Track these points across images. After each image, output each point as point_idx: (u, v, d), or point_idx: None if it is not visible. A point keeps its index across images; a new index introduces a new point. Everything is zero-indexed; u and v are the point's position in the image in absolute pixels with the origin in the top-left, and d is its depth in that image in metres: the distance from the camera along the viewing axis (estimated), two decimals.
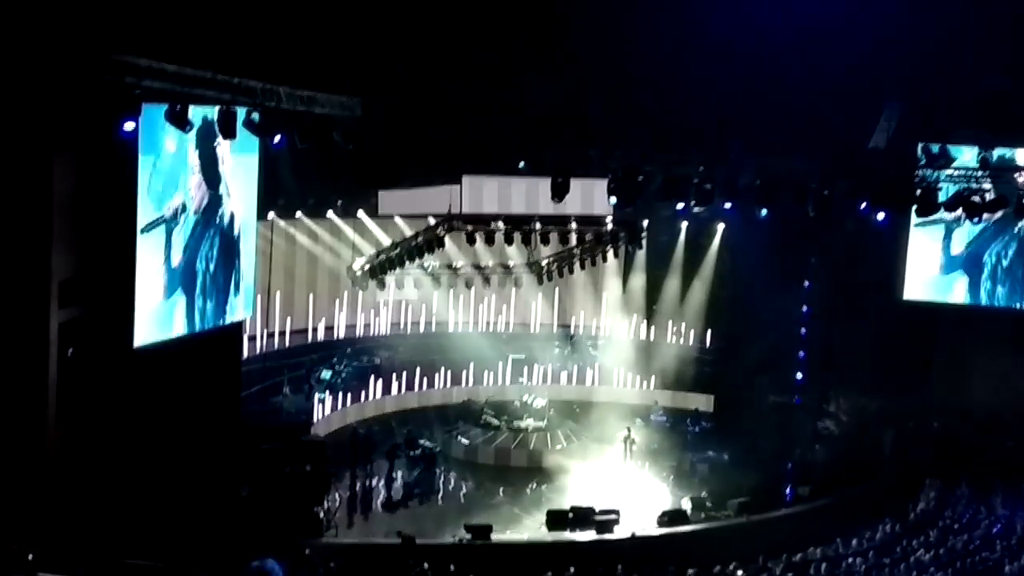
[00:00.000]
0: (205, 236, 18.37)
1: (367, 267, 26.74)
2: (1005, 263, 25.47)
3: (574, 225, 28.67)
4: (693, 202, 19.81)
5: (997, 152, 22.15)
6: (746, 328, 29.03)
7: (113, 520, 16.45)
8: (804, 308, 28.44)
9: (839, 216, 21.90)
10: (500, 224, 27.19)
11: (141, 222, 16.68)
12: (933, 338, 26.43)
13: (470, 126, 27.35)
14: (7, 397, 15.56)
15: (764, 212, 22.20)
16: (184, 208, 17.68)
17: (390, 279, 27.14)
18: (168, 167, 17.16)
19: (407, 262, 26.92)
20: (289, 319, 27.42)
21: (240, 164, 19.03)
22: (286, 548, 16.44)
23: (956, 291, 25.88)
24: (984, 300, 25.69)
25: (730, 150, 19.68)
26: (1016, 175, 20.24)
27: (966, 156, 21.49)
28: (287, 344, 27.46)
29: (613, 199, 20.00)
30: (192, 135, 17.11)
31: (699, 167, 19.22)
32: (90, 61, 14.85)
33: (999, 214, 21.85)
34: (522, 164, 27.94)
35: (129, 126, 15.40)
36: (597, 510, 20.63)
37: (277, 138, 17.68)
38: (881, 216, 21.58)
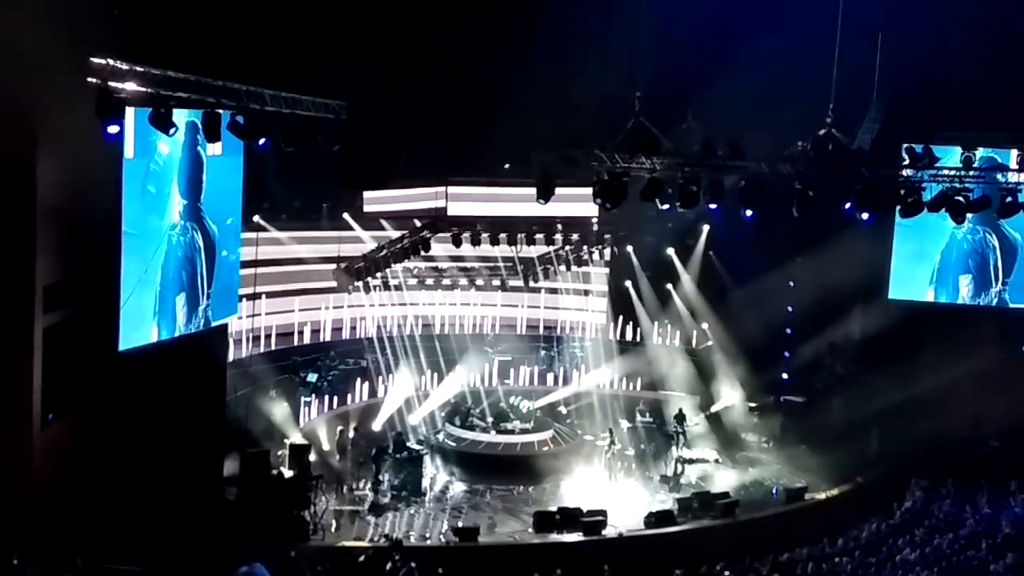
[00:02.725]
0: (191, 239, 18.34)
1: (353, 269, 26.70)
2: (989, 262, 25.60)
3: (560, 227, 28.71)
4: (678, 203, 19.81)
5: (980, 152, 22.25)
6: (732, 328, 29.08)
7: (99, 524, 16.41)
8: (789, 308, 28.53)
9: (824, 217, 21.94)
10: (486, 225, 27.19)
11: (132, 225, 16.66)
12: (919, 337, 26.52)
13: (456, 130, 27.49)
14: None
15: (749, 213, 22.21)
16: (173, 211, 17.66)
17: (376, 281, 27.11)
18: (162, 170, 17.14)
19: (393, 264, 26.90)
20: (275, 322, 27.34)
21: (225, 167, 19.01)
22: (273, 552, 16.41)
23: (942, 290, 26.00)
24: (969, 299, 25.83)
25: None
26: (999, 175, 20.31)
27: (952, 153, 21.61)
28: (273, 347, 27.38)
29: (598, 201, 19.99)
30: (178, 138, 17.11)
31: (684, 169, 19.22)
32: (73, 64, 14.82)
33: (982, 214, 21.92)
34: (507, 166, 28.09)
35: (113, 129, 15.36)
36: (584, 511, 20.64)
37: (262, 141, 17.65)
38: (865, 216, 21.66)
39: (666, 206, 20.08)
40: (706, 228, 29.87)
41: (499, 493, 23.60)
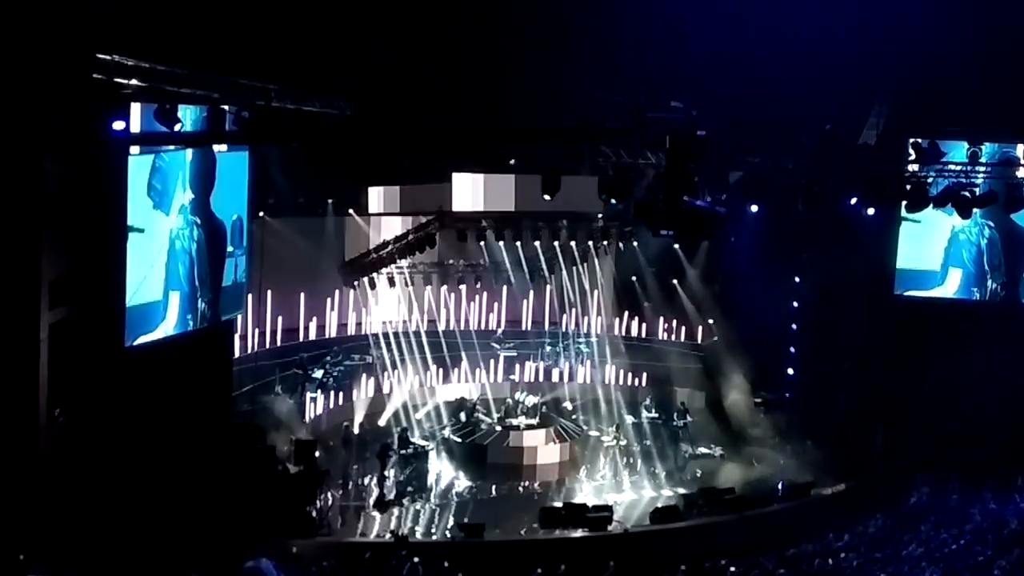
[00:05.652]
0: (197, 235, 18.35)
1: (358, 265, 26.71)
2: (994, 257, 25.55)
3: (564, 222, 28.69)
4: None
5: (987, 147, 22.21)
6: (738, 324, 29.06)
7: (105, 520, 16.43)
8: (795, 303, 28.51)
9: (829, 211, 21.91)
10: (491, 221, 27.18)
11: (138, 220, 16.67)
12: (924, 333, 26.47)
13: (460, 123, 27.39)
14: None
15: (755, 208, 22.20)
16: (179, 206, 17.67)
17: (381, 277, 27.12)
18: (167, 166, 17.16)
19: (398, 260, 26.91)
20: (280, 318, 27.33)
21: (231, 162, 19.01)
22: (277, 547, 16.42)
23: (948, 285, 25.95)
24: (975, 294, 25.79)
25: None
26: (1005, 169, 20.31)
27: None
28: (278, 343, 27.39)
29: (604, 196, 19.97)
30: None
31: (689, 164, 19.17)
32: (78, 61, 14.83)
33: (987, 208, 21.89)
34: (512, 161, 28.02)
35: (118, 125, 15.37)
36: (589, 507, 20.64)
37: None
38: (871, 211, 21.65)
39: None
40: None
41: (504, 489, 23.61)
